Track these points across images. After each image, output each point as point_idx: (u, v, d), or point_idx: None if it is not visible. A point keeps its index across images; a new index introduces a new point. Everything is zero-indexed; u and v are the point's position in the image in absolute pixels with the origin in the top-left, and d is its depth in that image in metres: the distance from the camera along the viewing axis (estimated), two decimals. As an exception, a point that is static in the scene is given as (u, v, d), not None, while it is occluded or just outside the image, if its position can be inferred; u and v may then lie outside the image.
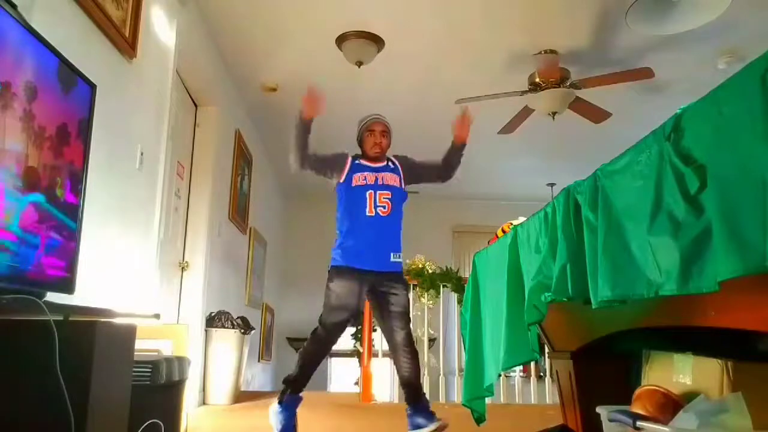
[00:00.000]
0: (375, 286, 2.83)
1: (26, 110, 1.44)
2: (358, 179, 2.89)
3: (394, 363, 2.88)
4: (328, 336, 2.79)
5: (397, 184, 2.92)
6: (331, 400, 3.49)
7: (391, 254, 2.84)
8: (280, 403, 2.73)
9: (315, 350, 2.81)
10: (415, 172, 3.03)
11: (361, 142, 3.00)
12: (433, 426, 2.67)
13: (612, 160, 1.45)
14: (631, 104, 4.94)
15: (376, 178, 2.89)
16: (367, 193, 2.85)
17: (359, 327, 4.98)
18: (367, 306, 4.79)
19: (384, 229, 2.84)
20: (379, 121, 2.99)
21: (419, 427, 2.71)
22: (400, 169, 2.98)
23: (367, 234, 2.82)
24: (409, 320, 2.88)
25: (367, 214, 2.83)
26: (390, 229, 2.86)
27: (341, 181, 2.91)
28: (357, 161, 2.95)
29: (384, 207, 2.84)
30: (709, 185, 1.06)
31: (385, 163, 2.97)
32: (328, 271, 2.88)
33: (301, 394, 2.78)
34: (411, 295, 4.96)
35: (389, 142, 3.00)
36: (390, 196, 2.86)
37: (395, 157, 3.03)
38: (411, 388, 2.80)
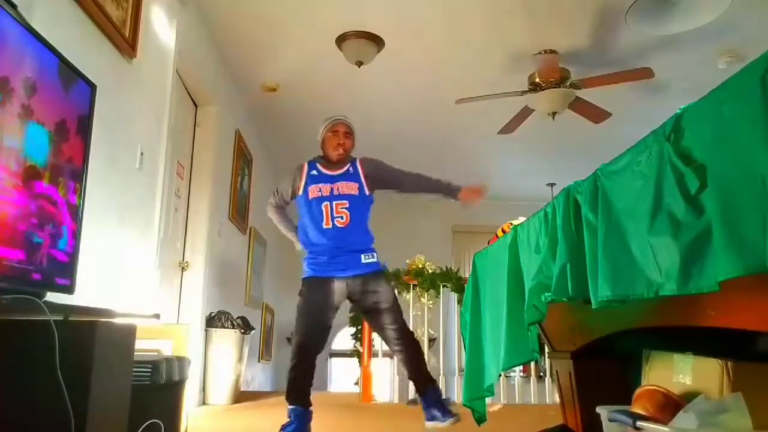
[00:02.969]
0: (351, 290, 2.76)
1: (27, 110, 1.44)
2: (314, 191, 2.81)
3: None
4: (308, 342, 2.71)
5: (354, 192, 2.81)
6: (331, 400, 3.49)
7: (362, 256, 2.77)
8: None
9: (299, 365, 2.69)
10: (384, 180, 2.93)
11: (323, 144, 2.91)
12: (446, 423, 2.63)
13: (612, 160, 1.45)
14: (631, 104, 4.94)
15: (332, 189, 2.80)
16: (323, 205, 2.78)
17: (359, 327, 4.98)
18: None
19: (345, 239, 2.76)
20: (342, 122, 2.90)
21: (434, 419, 2.68)
22: (360, 174, 2.86)
23: (328, 246, 2.76)
24: (398, 313, 2.81)
25: (324, 226, 2.76)
26: (352, 238, 2.77)
27: (299, 193, 2.85)
28: (313, 170, 2.86)
29: (341, 218, 2.76)
30: (709, 185, 1.06)
31: (344, 169, 2.86)
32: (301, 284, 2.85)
33: (310, 408, 2.68)
34: (408, 294, 4.97)
35: (353, 143, 2.91)
36: (347, 206, 2.78)
37: (363, 160, 2.92)
38: (414, 381, 2.79)
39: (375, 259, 2.82)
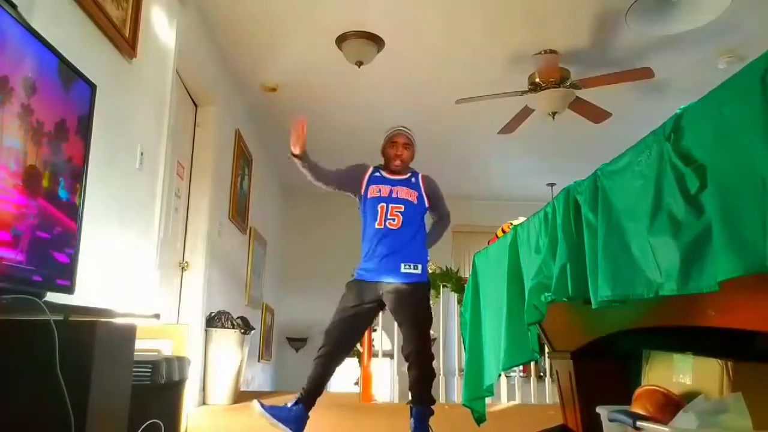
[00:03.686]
0: (382, 296, 2.80)
1: (27, 110, 1.44)
2: (373, 191, 2.90)
3: None
4: (337, 340, 2.76)
5: (412, 199, 2.88)
6: (331, 400, 3.49)
7: (402, 265, 2.79)
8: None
9: (324, 361, 2.75)
10: (434, 206, 3.00)
11: (383, 153, 2.99)
12: None
13: (612, 160, 1.45)
14: (631, 104, 4.94)
15: (391, 191, 2.88)
16: (379, 206, 2.86)
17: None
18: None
19: (394, 242, 2.80)
20: (402, 133, 2.97)
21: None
22: (421, 186, 2.94)
23: (376, 246, 2.82)
24: (420, 330, 2.78)
25: (377, 226, 2.83)
26: (400, 242, 2.81)
27: (361, 192, 2.94)
28: (377, 173, 2.97)
29: (394, 220, 2.82)
30: (709, 185, 1.06)
31: (406, 176, 2.95)
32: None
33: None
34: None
35: (412, 154, 2.98)
36: (402, 210, 2.84)
37: (426, 177, 3.00)
38: (411, 393, 2.80)
39: (415, 270, 2.81)
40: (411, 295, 2.79)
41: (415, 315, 2.80)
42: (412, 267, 2.80)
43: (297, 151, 2.83)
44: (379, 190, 2.90)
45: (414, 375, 2.77)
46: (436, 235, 3.08)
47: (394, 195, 2.88)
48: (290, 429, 2.59)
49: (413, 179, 2.96)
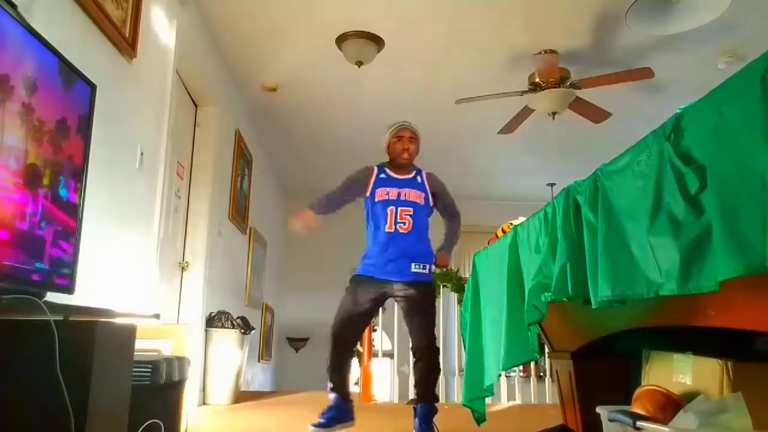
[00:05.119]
0: (394, 294, 2.83)
1: (27, 111, 1.44)
2: (381, 194, 2.88)
3: None
4: (342, 332, 2.82)
5: (420, 201, 2.88)
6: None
7: (413, 265, 2.80)
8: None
9: (335, 354, 2.84)
10: (441, 204, 3.01)
11: (388, 150, 2.97)
12: None
13: (612, 160, 1.45)
14: (631, 104, 4.94)
15: (399, 194, 2.87)
16: (389, 209, 2.84)
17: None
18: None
19: (404, 244, 2.82)
20: (407, 127, 2.96)
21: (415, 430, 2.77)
22: (427, 186, 2.94)
23: (386, 249, 2.82)
24: (432, 325, 2.83)
25: (386, 230, 2.83)
26: (410, 244, 2.82)
27: (367, 195, 2.92)
28: (382, 174, 2.94)
29: (404, 224, 2.82)
30: (709, 185, 1.06)
31: (411, 175, 2.94)
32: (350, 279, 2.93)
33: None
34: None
35: (417, 148, 2.98)
36: (411, 213, 2.84)
37: (429, 175, 2.99)
38: (416, 389, 2.83)
39: (424, 270, 2.84)
40: (424, 294, 2.82)
41: (428, 312, 2.84)
42: (421, 267, 2.82)
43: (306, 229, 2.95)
44: (387, 193, 2.87)
45: (423, 368, 2.79)
46: (453, 236, 3.05)
47: (402, 198, 2.86)
48: (349, 421, 2.77)
49: (419, 178, 2.94)
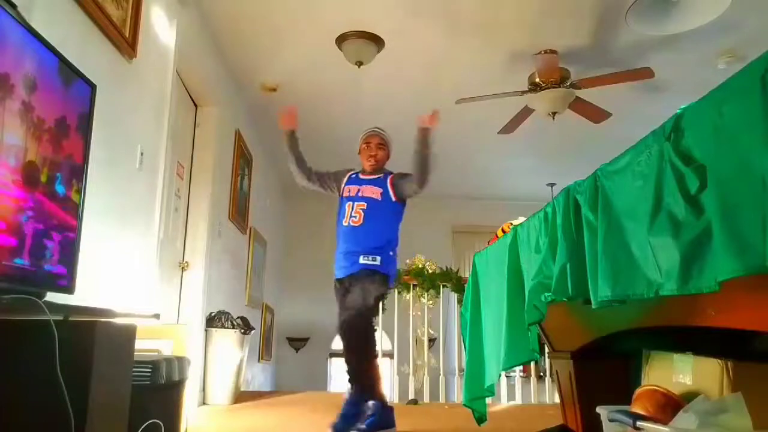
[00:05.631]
0: (349, 286, 2.91)
1: (27, 110, 1.44)
2: (345, 191, 3.06)
3: None
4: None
5: (376, 196, 2.97)
6: (331, 400, 3.49)
7: (361, 257, 2.88)
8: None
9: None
10: (400, 185, 3.03)
11: (360, 154, 3.13)
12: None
13: (612, 160, 1.45)
14: (631, 104, 4.94)
15: (358, 191, 3.01)
16: (347, 205, 3.00)
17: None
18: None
19: (354, 237, 2.93)
20: (375, 134, 3.11)
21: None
22: (388, 182, 3.02)
23: (342, 242, 2.97)
24: (354, 298, 2.82)
25: (343, 223, 2.98)
26: (361, 237, 2.92)
27: (338, 193, 3.09)
28: (354, 175, 3.11)
29: (356, 217, 2.94)
30: (709, 185, 1.06)
31: (377, 176, 3.05)
32: None
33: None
34: (408, 293, 4.97)
35: (386, 154, 3.10)
36: (365, 207, 2.95)
37: (395, 174, 3.06)
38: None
39: (377, 262, 2.87)
40: (365, 277, 2.86)
41: (359, 290, 2.83)
42: (370, 258, 2.88)
43: (287, 128, 3.08)
44: (350, 191, 3.04)
45: (348, 360, 2.80)
46: (418, 170, 2.97)
47: (360, 194, 3.00)
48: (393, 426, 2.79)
49: (382, 177, 3.05)
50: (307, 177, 3.14)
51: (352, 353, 2.77)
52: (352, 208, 2.97)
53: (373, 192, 2.98)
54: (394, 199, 3.00)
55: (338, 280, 2.97)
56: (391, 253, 2.95)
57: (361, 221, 2.92)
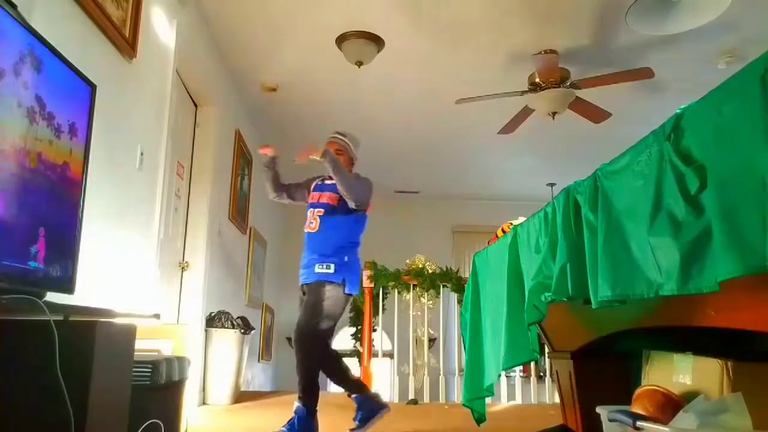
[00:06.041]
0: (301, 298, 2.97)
1: (27, 110, 1.44)
2: (310, 197, 3.09)
3: None
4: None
5: (333, 202, 2.99)
6: (331, 400, 3.49)
7: (316, 265, 2.89)
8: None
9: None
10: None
11: None
12: None
13: (612, 160, 1.45)
14: (631, 104, 4.94)
15: (318, 197, 3.03)
16: (309, 211, 3.03)
17: (359, 327, 4.98)
18: (366, 304, 4.82)
19: (312, 244, 2.95)
20: (333, 140, 3.12)
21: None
22: None
23: (305, 249, 2.99)
24: (299, 334, 2.83)
25: (304, 230, 3.00)
26: (317, 243, 2.93)
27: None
28: (318, 181, 3.12)
29: (313, 224, 2.97)
30: (709, 185, 1.06)
31: None
32: None
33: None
34: (408, 294, 4.96)
35: (346, 159, 3.09)
36: (322, 213, 2.97)
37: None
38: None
39: (330, 270, 2.87)
40: (316, 288, 2.87)
41: (308, 306, 2.86)
42: (324, 267, 2.89)
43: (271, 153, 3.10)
44: (313, 197, 3.07)
45: (297, 358, 2.83)
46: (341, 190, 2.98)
47: (319, 200, 3.03)
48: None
49: None
50: (278, 192, 3.18)
51: (298, 365, 2.84)
52: (312, 215, 2.99)
53: (330, 198, 2.99)
54: (352, 205, 2.97)
55: (300, 286, 3.01)
56: (346, 259, 2.92)
57: (317, 228, 2.95)
